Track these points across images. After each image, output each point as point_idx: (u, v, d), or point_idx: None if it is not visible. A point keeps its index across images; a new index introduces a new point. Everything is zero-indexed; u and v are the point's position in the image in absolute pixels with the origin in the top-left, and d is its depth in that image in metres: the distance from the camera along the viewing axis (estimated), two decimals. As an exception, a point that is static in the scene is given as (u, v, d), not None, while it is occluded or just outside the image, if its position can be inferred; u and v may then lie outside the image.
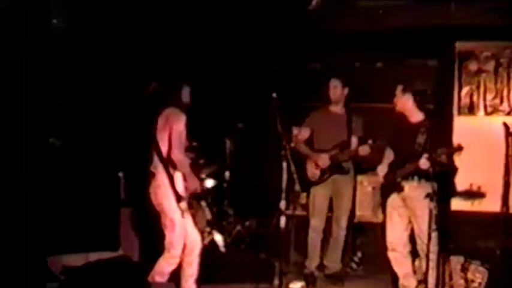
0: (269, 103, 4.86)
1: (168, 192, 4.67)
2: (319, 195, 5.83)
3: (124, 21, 5.78)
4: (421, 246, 4.97)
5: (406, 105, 5.09)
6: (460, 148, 4.79)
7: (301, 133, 5.97)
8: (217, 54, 6.71)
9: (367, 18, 6.15)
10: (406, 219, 5.09)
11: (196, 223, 5.15)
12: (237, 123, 6.86)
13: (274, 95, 4.86)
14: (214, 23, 6.14)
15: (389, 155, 5.24)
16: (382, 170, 5.20)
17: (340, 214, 5.85)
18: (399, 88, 5.13)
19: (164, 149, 4.70)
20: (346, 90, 5.82)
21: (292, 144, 5.52)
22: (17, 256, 3.36)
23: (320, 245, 5.89)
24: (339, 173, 5.80)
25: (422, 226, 4.86)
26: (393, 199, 5.12)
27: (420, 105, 5.08)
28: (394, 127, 5.27)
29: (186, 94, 4.88)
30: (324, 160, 5.74)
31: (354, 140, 5.80)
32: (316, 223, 5.83)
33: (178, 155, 4.68)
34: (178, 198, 4.68)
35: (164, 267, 4.74)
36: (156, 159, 4.74)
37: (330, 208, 5.91)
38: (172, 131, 4.67)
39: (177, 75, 5.09)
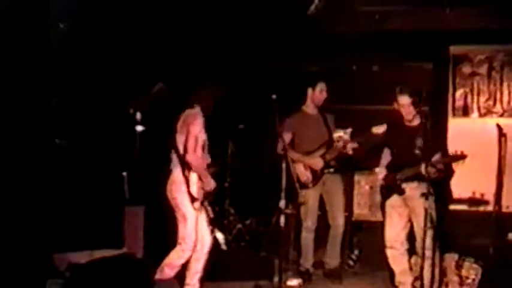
0: (269, 105, 4.90)
1: (182, 188, 4.73)
2: (309, 196, 5.72)
3: (128, 23, 5.80)
4: (420, 244, 4.96)
5: (406, 107, 5.09)
6: (463, 157, 4.73)
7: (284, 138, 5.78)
8: (219, 56, 6.70)
9: (364, 22, 6.23)
10: (405, 218, 5.12)
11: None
12: (238, 124, 6.83)
13: (273, 96, 4.90)
14: (215, 25, 6.17)
15: (386, 156, 5.27)
16: (380, 171, 5.21)
17: (336, 211, 5.79)
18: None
19: (181, 150, 4.74)
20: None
21: (282, 151, 5.29)
22: (20, 253, 3.44)
23: (313, 244, 5.86)
24: (329, 171, 5.74)
25: (421, 224, 4.85)
26: (393, 199, 5.15)
27: (417, 107, 5.10)
28: (392, 129, 5.27)
29: (207, 96, 4.90)
30: (318, 162, 5.69)
31: (343, 135, 5.60)
32: (309, 223, 5.78)
33: (193, 157, 4.69)
34: (192, 199, 4.73)
35: (175, 260, 4.80)
36: (175, 158, 4.79)
37: (320, 206, 5.86)
38: (189, 133, 4.70)
39: (198, 76, 5.09)
